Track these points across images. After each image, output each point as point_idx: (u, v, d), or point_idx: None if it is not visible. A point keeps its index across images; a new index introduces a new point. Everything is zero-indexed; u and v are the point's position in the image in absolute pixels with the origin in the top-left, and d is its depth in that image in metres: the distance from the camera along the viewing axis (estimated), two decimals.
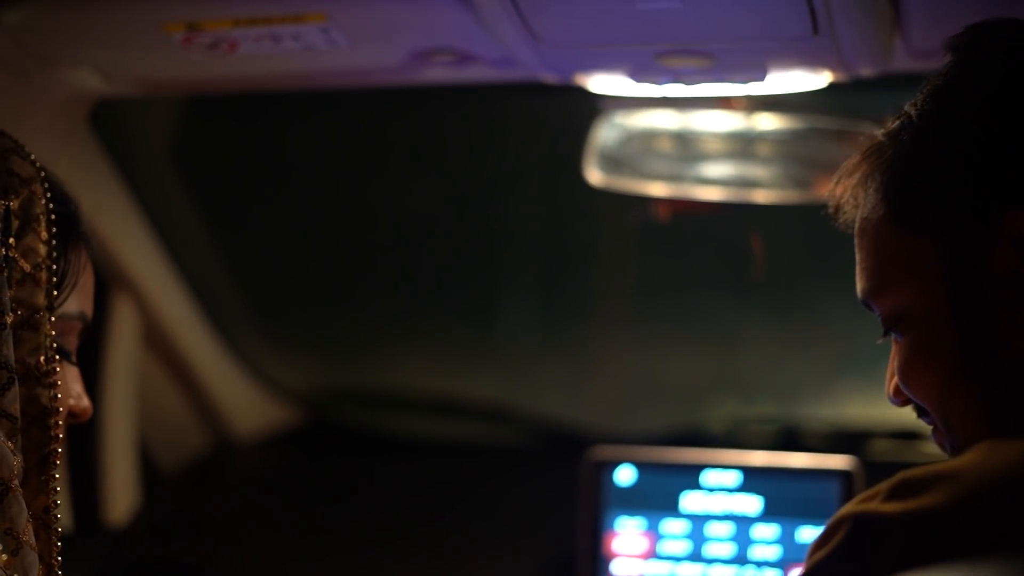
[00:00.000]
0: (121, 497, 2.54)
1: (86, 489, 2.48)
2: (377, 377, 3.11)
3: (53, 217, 1.24)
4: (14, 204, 1.21)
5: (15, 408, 1.18)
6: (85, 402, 1.38)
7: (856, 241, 1.23)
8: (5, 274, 1.19)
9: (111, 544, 2.51)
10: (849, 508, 1.04)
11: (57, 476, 1.23)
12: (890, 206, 1.17)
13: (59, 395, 1.22)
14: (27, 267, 1.21)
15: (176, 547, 2.57)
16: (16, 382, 1.18)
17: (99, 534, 2.50)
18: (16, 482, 1.15)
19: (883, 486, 1.03)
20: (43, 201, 1.24)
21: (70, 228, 1.30)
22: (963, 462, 1.02)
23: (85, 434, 2.38)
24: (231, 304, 2.87)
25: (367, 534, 2.57)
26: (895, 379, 1.23)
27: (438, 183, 3.02)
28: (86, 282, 1.34)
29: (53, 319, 1.23)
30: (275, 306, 3.11)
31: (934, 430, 1.22)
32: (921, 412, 1.22)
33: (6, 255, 1.19)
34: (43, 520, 1.21)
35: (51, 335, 1.22)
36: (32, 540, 1.15)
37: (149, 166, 2.59)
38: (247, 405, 2.85)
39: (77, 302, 1.32)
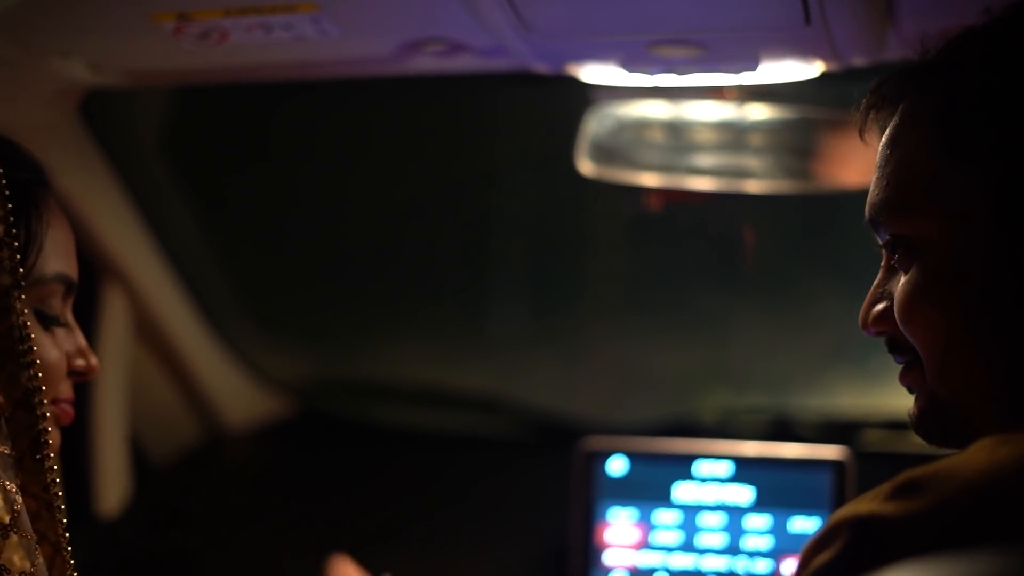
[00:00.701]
0: (113, 488, 2.54)
1: (78, 481, 2.48)
2: (369, 368, 3.11)
3: (7, 193, 1.21)
4: None
5: None
6: (92, 360, 1.36)
7: (882, 151, 1.17)
8: None
9: (103, 535, 2.51)
10: (850, 510, 1.00)
11: (52, 455, 1.21)
12: (938, 127, 1.10)
13: (39, 373, 1.20)
14: None
15: (168, 538, 2.57)
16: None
17: (91, 525, 2.50)
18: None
19: (886, 486, 0.99)
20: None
21: (28, 192, 1.28)
22: (968, 460, 0.98)
23: (76, 426, 2.37)
24: (222, 295, 2.87)
25: (359, 525, 2.57)
26: (878, 307, 1.17)
27: (430, 174, 3.02)
28: (57, 241, 1.31)
29: (23, 297, 1.20)
30: (267, 297, 3.11)
31: (907, 370, 1.16)
32: (897, 347, 1.16)
33: None
34: (44, 500, 1.21)
35: (23, 313, 1.19)
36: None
37: (139, 157, 2.59)
38: (238, 396, 2.85)
39: (52, 264, 1.29)
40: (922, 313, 1.10)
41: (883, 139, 1.17)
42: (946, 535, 0.93)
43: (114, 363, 2.48)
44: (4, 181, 1.21)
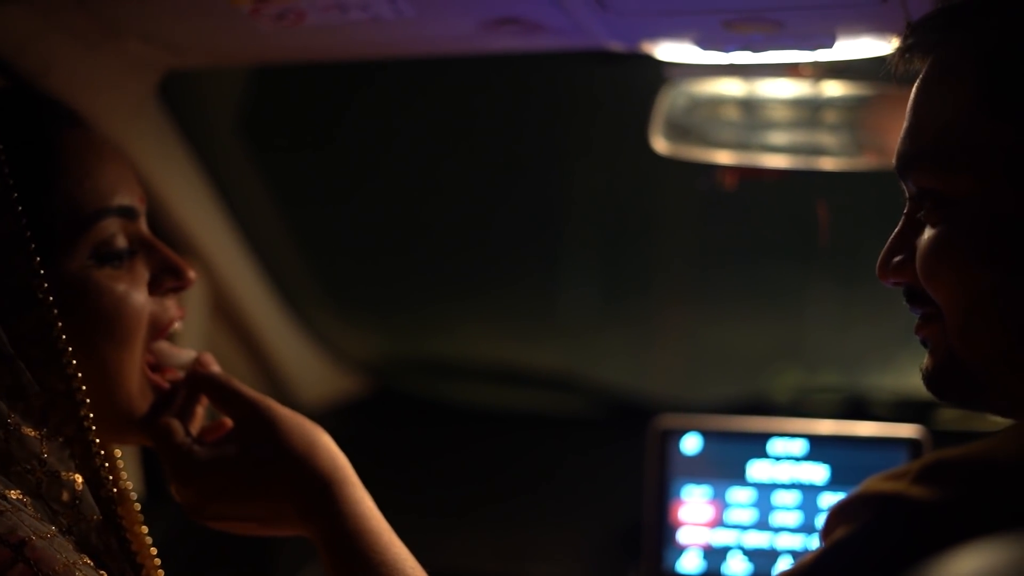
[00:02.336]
0: None
1: (156, 461, 2.50)
2: (443, 347, 3.12)
3: (6, 171, 1.20)
4: None
5: (35, 395, 1.19)
6: (186, 273, 1.34)
7: (916, 97, 1.11)
8: None
9: (179, 513, 2.54)
10: (878, 486, 0.97)
11: (97, 440, 1.22)
12: (981, 77, 1.04)
13: (73, 361, 1.20)
14: None
15: None
16: (23, 368, 1.18)
17: (168, 502, 2.53)
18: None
19: (913, 466, 0.96)
20: None
21: (32, 147, 1.25)
22: (999, 446, 0.95)
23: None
24: (298, 275, 2.89)
25: (433, 503, 2.58)
26: (898, 258, 1.13)
27: (504, 153, 3.02)
28: (94, 176, 1.28)
29: (47, 285, 1.19)
30: (342, 276, 3.13)
31: (924, 324, 1.12)
32: (914, 299, 1.12)
33: None
34: (95, 481, 1.23)
35: (48, 302, 1.19)
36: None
37: (217, 137, 2.61)
38: (314, 375, 2.87)
39: (92, 201, 1.26)
40: (948, 270, 1.06)
41: (917, 84, 1.12)
42: (975, 522, 0.89)
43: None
44: (5, 155, 1.20)
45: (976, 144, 1.04)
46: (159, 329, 1.33)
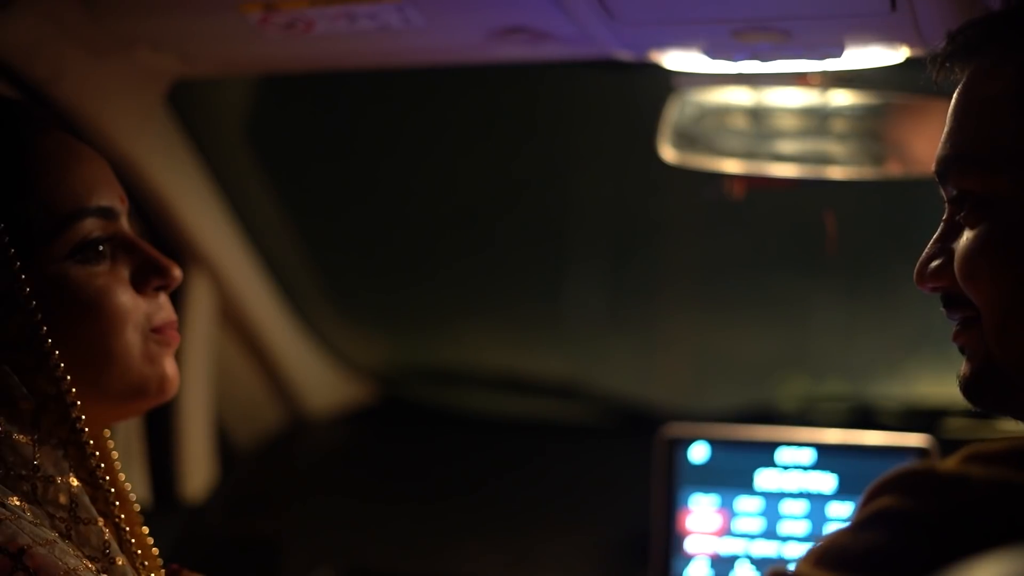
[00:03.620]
0: (197, 473, 2.57)
1: (163, 466, 2.51)
2: (448, 354, 3.13)
3: None
4: None
5: (23, 400, 1.19)
6: (172, 271, 1.32)
7: (957, 102, 1.13)
8: None
9: (188, 519, 2.54)
10: (927, 464, 0.96)
11: (90, 442, 1.22)
12: (1021, 83, 1.06)
13: (61, 364, 1.20)
14: None
15: (251, 523, 2.60)
16: (10, 373, 1.18)
17: (176, 510, 2.53)
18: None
19: (964, 450, 0.95)
20: None
21: (7, 152, 1.24)
22: None
23: (162, 411, 2.41)
24: (305, 282, 2.89)
25: (440, 511, 2.58)
26: (936, 262, 1.13)
27: (511, 162, 3.03)
28: (67, 176, 1.27)
29: (28, 289, 1.19)
30: (349, 284, 3.13)
31: (962, 329, 1.12)
32: (953, 304, 1.12)
33: None
34: (91, 483, 1.22)
35: (31, 306, 1.19)
36: None
37: (225, 145, 2.61)
38: (321, 383, 2.87)
39: (68, 201, 1.25)
40: (987, 270, 1.07)
41: (959, 90, 1.13)
42: (1017, 508, 0.90)
43: (198, 349, 2.50)
44: None
45: (1013, 146, 1.06)
46: (158, 327, 1.32)
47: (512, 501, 2.59)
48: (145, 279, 1.31)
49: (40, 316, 1.20)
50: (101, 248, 1.27)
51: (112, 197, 1.31)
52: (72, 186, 1.26)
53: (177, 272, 1.33)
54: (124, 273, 1.30)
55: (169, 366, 1.32)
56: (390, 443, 2.82)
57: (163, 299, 1.34)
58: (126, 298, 1.28)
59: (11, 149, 1.24)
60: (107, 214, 1.29)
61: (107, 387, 1.26)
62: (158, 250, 1.34)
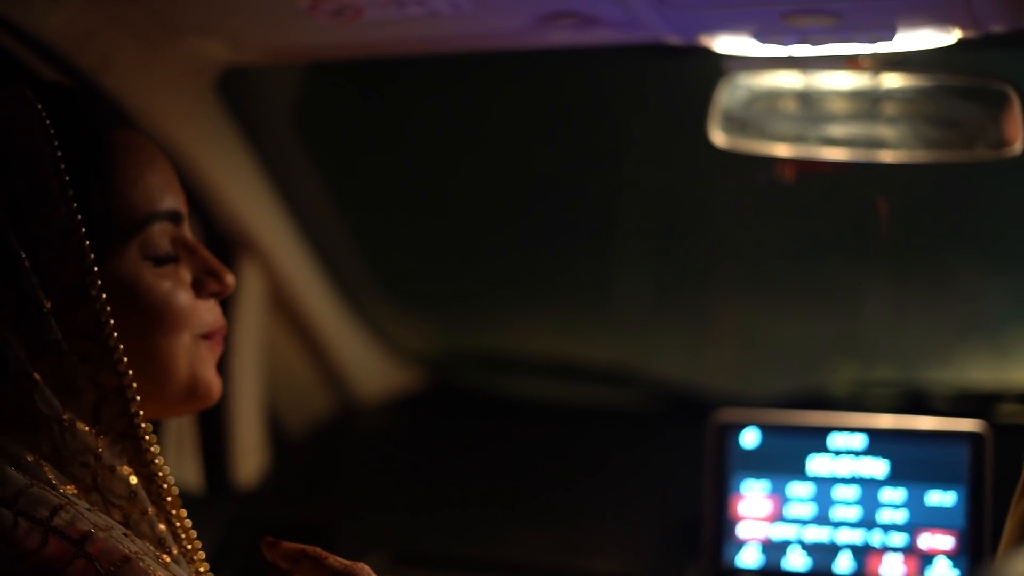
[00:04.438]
0: (249, 460, 2.58)
1: (215, 453, 2.52)
2: (498, 340, 3.13)
3: (62, 167, 1.20)
4: (16, 185, 1.19)
5: (87, 390, 1.20)
6: (226, 278, 1.33)
7: None
8: (27, 263, 1.18)
9: (240, 506, 2.55)
10: None
11: (148, 436, 1.23)
12: None
13: (124, 358, 1.21)
14: (47, 243, 1.19)
15: (303, 508, 2.61)
16: (76, 363, 1.19)
17: (228, 496, 2.55)
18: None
19: None
20: (51, 163, 1.20)
21: (88, 146, 1.25)
22: None
23: None
24: (355, 268, 2.90)
25: (489, 496, 2.59)
26: None
27: (560, 148, 3.02)
28: (144, 179, 1.27)
29: (99, 282, 1.20)
30: (398, 270, 3.14)
31: None
32: None
33: (15, 242, 1.18)
34: (146, 475, 1.24)
35: (102, 298, 1.20)
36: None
37: (275, 132, 2.62)
38: (371, 368, 2.88)
39: (142, 204, 1.26)
40: None
41: None
42: None
43: (250, 336, 2.51)
44: (60, 153, 1.21)
45: None
46: (206, 332, 1.33)
47: (561, 486, 2.59)
48: (203, 284, 1.32)
49: (109, 309, 1.21)
50: (168, 253, 1.29)
51: (179, 200, 1.32)
52: (146, 187, 1.27)
53: (231, 279, 1.35)
54: (186, 277, 1.31)
55: (213, 371, 1.34)
56: (440, 429, 2.82)
57: (215, 304, 1.35)
58: (187, 301, 1.30)
59: (91, 144, 1.25)
60: (175, 218, 1.31)
61: (159, 386, 1.28)
62: (210, 240, 1.35)
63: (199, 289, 1.32)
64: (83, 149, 1.24)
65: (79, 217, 1.20)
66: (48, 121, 1.22)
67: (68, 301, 1.19)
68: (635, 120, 2.95)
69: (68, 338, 1.19)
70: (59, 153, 1.20)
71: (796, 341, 2.97)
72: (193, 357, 1.30)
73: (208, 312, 1.33)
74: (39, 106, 1.23)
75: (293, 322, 2.68)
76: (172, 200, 1.30)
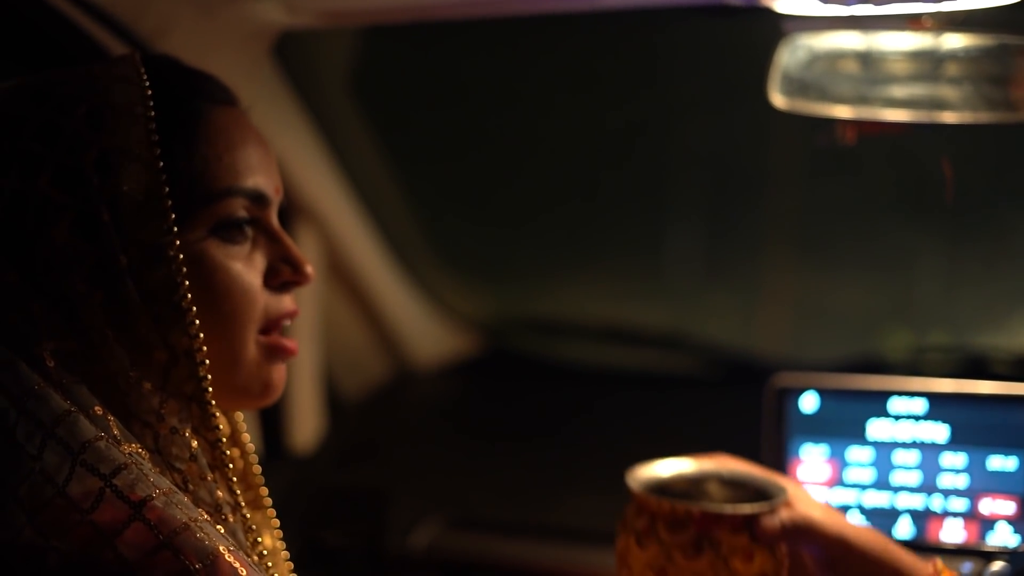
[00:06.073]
0: (307, 424, 2.59)
1: (274, 418, 2.54)
2: (553, 305, 3.13)
3: (153, 128, 1.21)
4: (107, 141, 1.20)
5: (158, 351, 1.20)
6: (303, 268, 1.33)
7: None
8: (107, 218, 1.18)
9: (297, 470, 2.57)
10: None
11: (213, 402, 1.23)
12: None
13: (196, 321, 1.20)
14: (129, 201, 1.19)
15: (359, 473, 2.62)
16: (150, 323, 1.19)
17: (286, 461, 2.56)
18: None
19: None
20: (143, 125, 1.21)
21: (181, 115, 1.26)
22: None
23: None
24: (411, 234, 2.90)
25: (545, 461, 2.59)
26: None
27: (614, 111, 3.01)
28: (233, 156, 1.28)
29: (178, 243, 1.20)
30: (453, 235, 3.14)
31: None
32: None
33: (98, 197, 1.18)
34: (210, 441, 1.24)
35: (180, 260, 1.20)
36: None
37: (331, 97, 2.62)
38: (426, 334, 2.89)
39: (223, 179, 1.26)
40: None
41: None
42: None
43: (308, 302, 2.52)
44: (154, 113, 1.22)
45: None
46: (272, 321, 1.32)
47: (615, 451, 2.58)
48: (277, 272, 1.32)
49: (185, 271, 1.21)
50: (244, 230, 1.29)
51: (268, 184, 1.32)
52: (231, 164, 1.27)
53: (310, 270, 1.34)
54: (260, 262, 1.31)
55: (276, 374, 1.33)
56: (495, 394, 2.83)
57: (287, 296, 1.35)
58: (254, 287, 1.29)
59: (185, 114, 1.26)
60: (258, 199, 1.30)
61: (219, 371, 1.27)
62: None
63: (273, 276, 1.32)
64: (176, 117, 1.25)
65: (163, 178, 1.20)
66: (148, 86, 1.23)
67: (145, 260, 1.19)
68: (694, 83, 2.94)
69: (143, 297, 1.19)
70: (152, 115, 1.21)
71: (851, 306, 2.96)
72: (253, 355, 1.30)
73: (278, 302, 1.32)
74: (142, 71, 1.24)
75: (350, 288, 2.69)
76: (259, 181, 1.30)
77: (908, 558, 1.42)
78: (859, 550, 1.40)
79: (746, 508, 1.37)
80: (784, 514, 1.39)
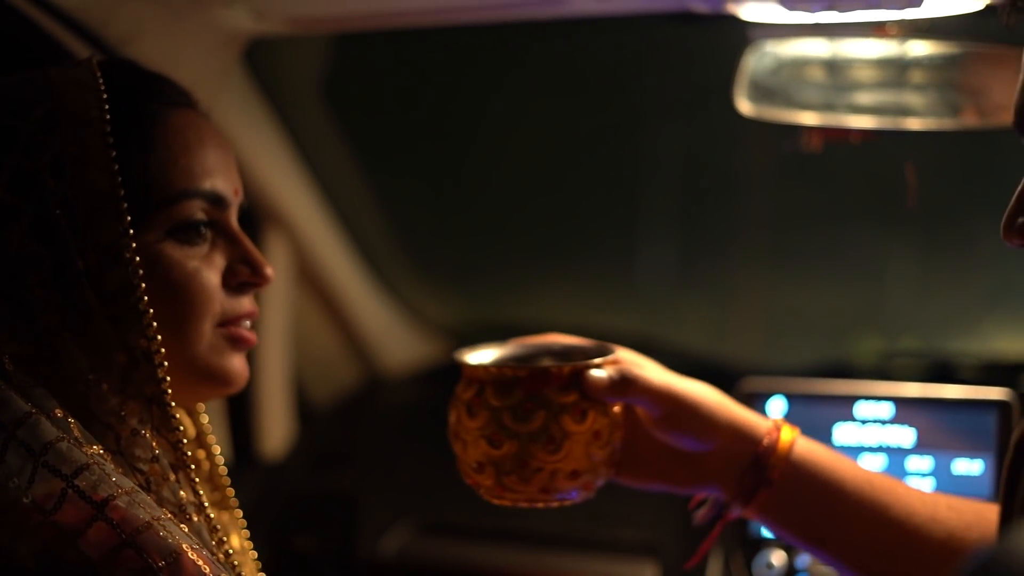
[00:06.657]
0: (277, 430, 2.59)
1: (243, 423, 2.53)
2: (522, 311, 3.13)
3: (108, 131, 1.21)
4: (62, 145, 1.20)
5: (117, 353, 1.21)
6: (263, 270, 1.33)
7: None
8: (63, 222, 1.18)
9: (267, 476, 2.57)
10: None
11: (173, 405, 1.23)
12: None
13: (154, 323, 1.21)
14: (85, 204, 1.19)
15: (329, 479, 2.62)
16: (107, 325, 1.19)
17: (255, 467, 2.56)
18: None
19: None
20: (98, 128, 1.21)
21: (137, 118, 1.26)
22: None
23: None
24: (381, 240, 2.90)
25: None
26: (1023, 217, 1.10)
27: (583, 117, 3.01)
28: (186, 154, 1.28)
29: (134, 245, 1.20)
30: (424, 242, 3.14)
31: None
32: None
33: (54, 201, 1.18)
34: (171, 441, 1.24)
35: (136, 262, 1.20)
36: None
37: (300, 103, 2.62)
38: (396, 340, 2.88)
39: (181, 181, 1.26)
40: None
41: None
42: None
43: (276, 307, 2.52)
44: (110, 117, 1.22)
45: None
46: (229, 320, 1.33)
47: None
48: (236, 272, 1.33)
49: (141, 273, 1.21)
50: (201, 231, 1.29)
51: (226, 186, 1.32)
52: (188, 166, 1.28)
53: (269, 272, 1.35)
54: (218, 263, 1.31)
55: (237, 362, 1.34)
56: None
57: (246, 297, 1.35)
58: (211, 285, 1.29)
59: (141, 117, 1.26)
60: (216, 200, 1.30)
61: (179, 366, 1.28)
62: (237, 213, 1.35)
63: (230, 278, 1.32)
64: (132, 120, 1.25)
65: (119, 180, 1.20)
66: (103, 89, 1.23)
67: (101, 263, 1.20)
68: (660, 89, 2.94)
69: (100, 299, 1.19)
70: (107, 118, 1.21)
71: (821, 311, 2.97)
72: (212, 345, 1.30)
73: (236, 303, 1.33)
74: (98, 75, 1.24)
75: (319, 293, 2.69)
76: (216, 183, 1.30)
77: (746, 412, 1.41)
78: (690, 403, 1.39)
79: (571, 365, 1.37)
80: (611, 370, 1.38)
